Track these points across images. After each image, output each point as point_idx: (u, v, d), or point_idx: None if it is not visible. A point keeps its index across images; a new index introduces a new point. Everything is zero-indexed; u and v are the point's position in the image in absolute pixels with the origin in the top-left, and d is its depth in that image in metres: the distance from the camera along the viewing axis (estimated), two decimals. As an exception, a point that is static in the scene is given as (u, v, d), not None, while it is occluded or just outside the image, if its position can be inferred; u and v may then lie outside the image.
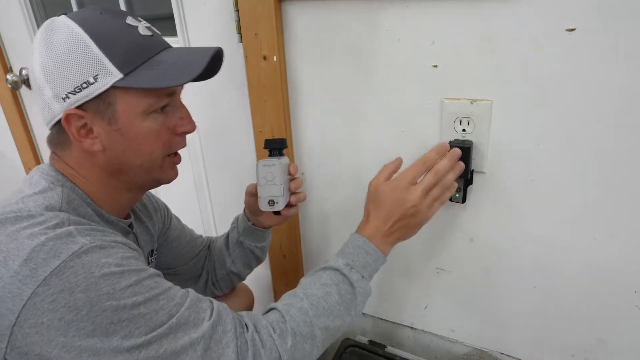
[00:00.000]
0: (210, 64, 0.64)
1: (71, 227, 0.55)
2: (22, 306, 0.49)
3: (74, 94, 0.59)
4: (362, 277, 0.69)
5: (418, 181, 0.71)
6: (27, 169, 1.65)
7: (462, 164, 0.75)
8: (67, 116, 0.59)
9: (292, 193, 0.81)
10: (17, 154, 1.64)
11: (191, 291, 0.61)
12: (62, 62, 0.58)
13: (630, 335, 0.78)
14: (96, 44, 0.58)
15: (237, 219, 0.94)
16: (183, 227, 0.95)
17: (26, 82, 1.45)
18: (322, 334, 0.65)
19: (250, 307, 1.07)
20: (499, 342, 0.94)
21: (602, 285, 0.77)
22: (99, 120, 0.61)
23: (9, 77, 1.42)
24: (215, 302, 0.63)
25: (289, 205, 0.81)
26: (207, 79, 0.70)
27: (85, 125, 0.61)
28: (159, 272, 0.60)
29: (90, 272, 0.51)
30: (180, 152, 0.71)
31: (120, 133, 0.61)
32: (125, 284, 0.53)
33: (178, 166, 0.72)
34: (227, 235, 0.95)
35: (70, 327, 0.50)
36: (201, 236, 0.98)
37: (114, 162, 0.64)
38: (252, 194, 0.86)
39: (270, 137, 0.93)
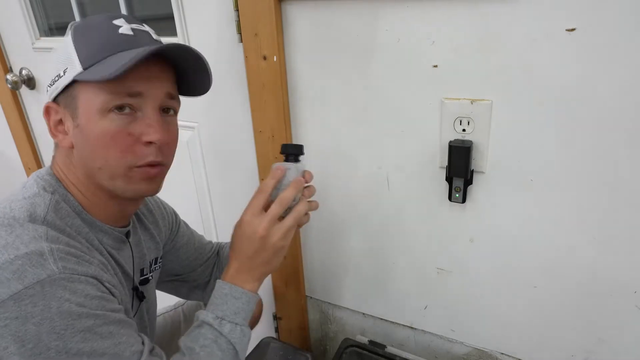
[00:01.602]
0: (198, 76, 0.64)
1: (45, 246, 0.53)
2: None
3: (50, 86, 0.62)
4: (236, 324, 0.67)
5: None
6: (27, 169, 1.65)
7: (311, 189, 0.74)
8: (46, 108, 0.62)
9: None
10: (17, 154, 1.64)
11: (145, 352, 0.59)
12: (52, 59, 0.62)
13: (630, 335, 0.78)
14: (72, 40, 0.60)
15: None
16: (192, 234, 0.94)
17: (26, 82, 1.45)
18: None
19: (259, 313, 1.06)
20: (499, 342, 0.94)
21: (602, 285, 0.77)
22: (68, 115, 0.62)
23: (9, 77, 1.42)
24: None
25: None
26: (200, 94, 0.69)
27: (61, 121, 0.62)
28: (122, 318, 0.58)
29: (48, 306, 0.50)
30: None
31: (80, 130, 0.61)
32: (78, 327, 0.51)
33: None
34: None
35: (10, 359, 0.49)
36: (210, 242, 0.97)
37: (82, 163, 0.63)
38: None
39: (284, 141, 0.90)
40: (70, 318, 0.51)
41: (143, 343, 0.60)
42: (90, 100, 0.59)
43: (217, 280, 0.71)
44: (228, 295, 0.68)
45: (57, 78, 0.60)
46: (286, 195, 0.69)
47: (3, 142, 1.65)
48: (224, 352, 0.66)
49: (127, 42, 0.60)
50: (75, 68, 0.59)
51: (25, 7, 1.33)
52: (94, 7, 1.27)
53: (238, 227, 0.71)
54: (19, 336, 0.49)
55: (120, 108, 0.60)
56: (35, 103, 1.50)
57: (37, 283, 0.50)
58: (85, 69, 0.58)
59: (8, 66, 1.47)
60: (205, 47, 1.03)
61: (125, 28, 0.61)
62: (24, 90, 1.48)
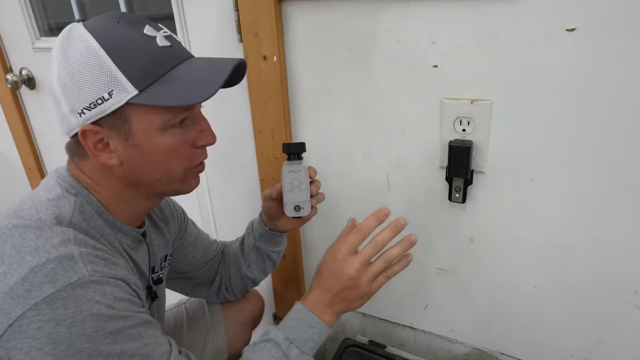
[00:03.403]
0: (231, 75, 0.62)
1: (74, 249, 0.54)
2: (8, 325, 0.49)
3: (90, 110, 0.57)
4: (302, 352, 0.67)
5: (360, 249, 0.69)
6: (27, 169, 1.65)
7: (413, 239, 0.69)
8: (84, 132, 0.59)
9: (312, 195, 0.80)
10: (17, 154, 1.64)
11: (174, 352, 0.60)
12: (78, 77, 0.57)
13: (630, 335, 0.78)
14: (111, 59, 0.56)
15: (252, 224, 0.93)
16: (198, 232, 0.94)
17: (26, 82, 1.45)
18: None
19: (260, 313, 1.06)
20: (499, 342, 0.94)
21: (602, 285, 0.77)
22: (116, 136, 0.60)
23: (9, 77, 1.42)
24: None
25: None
26: (228, 87, 0.69)
27: (102, 140, 0.60)
28: (149, 320, 0.59)
29: (80, 309, 0.51)
30: None
31: (137, 149, 0.60)
32: (109, 329, 0.52)
33: None
34: (242, 241, 0.94)
35: (44, 359, 0.49)
36: (216, 241, 0.97)
37: (132, 176, 0.63)
38: (271, 199, 0.84)
39: (284, 141, 0.91)
40: (100, 320, 0.52)
41: (170, 344, 0.61)
42: (149, 121, 0.59)
43: (296, 303, 0.70)
44: (302, 321, 0.68)
45: (100, 101, 0.57)
46: (381, 237, 0.68)
47: (3, 142, 1.65)
48: None
49: (171, 56, 0.60)
50: (126, 90, 0.57)
51: (25, 7, 1.33)
52: (94, 7, 1.28)
53: (330, 261, 0.69)
54: (52, 338, 0.49)
55: (180, 121, 0.62)
56: (35, 103, 1.50)
57: (69, 285, 0.51)
58: (141, 91, 0.57)
59: (8, 66, 1.47)
60: (205, 47, 1.03)
61: (160, 39, 0.60)
62: (24, 90, 1.48)
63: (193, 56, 0.64)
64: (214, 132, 0.69)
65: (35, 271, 0.51)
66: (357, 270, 0.67)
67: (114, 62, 0.56)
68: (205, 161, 0.72)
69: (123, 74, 0.56)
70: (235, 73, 0.65)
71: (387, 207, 0.70)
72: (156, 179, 0.64)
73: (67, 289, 0.51)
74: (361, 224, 0.70)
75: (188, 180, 0.68)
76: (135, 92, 0.57)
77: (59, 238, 0.54)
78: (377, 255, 0.69)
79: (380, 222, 0.69)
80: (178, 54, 0.62)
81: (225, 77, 0.60)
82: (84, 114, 0.58)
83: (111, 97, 0.57)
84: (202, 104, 0.68)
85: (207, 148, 0.71)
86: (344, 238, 0.69)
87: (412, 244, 0.70)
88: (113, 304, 0.54)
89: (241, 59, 0.64)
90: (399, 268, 0.71)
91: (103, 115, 0.58)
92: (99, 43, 0.56)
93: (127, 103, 0.57)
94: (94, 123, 0.58)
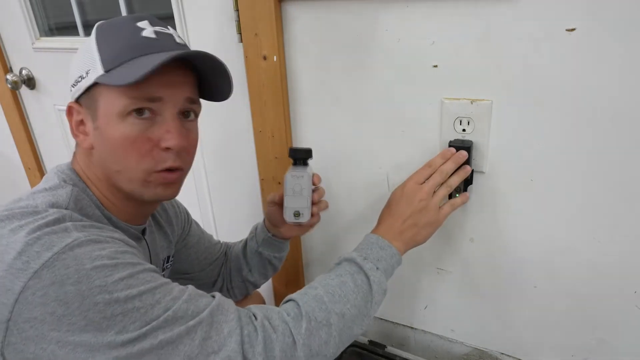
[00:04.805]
0: (219, 82, 0.64)
1: (69, 224, 0.54)
2: (15, 300, 0.48)
3: (74, 87, 0.62)
4: (377, 268, 0.67)
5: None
6: (27, 169, 1.65)
7: (468, 168, 0.76)
8: (68, 108, 0.63)
9: (314, 203, 0.80)
10: (17, 154, 1.64)
11: (190, 287, 0.59)
12: (77, 56, 0.63)
13: (630, 335, 0.78)
14: (96, 41, 0.61)
15: (255, 228, 0.93)
16: (202, 233, 0.94)
17: (26, 82, 1.45)
18: (338, 321, 0.62)
19: None
20: (499, 342, 0.94)
21: (602, 285, 0.77)
22: (88, 117, 0.62)
23: (9, 77, 1.42)
24: (218, 295, 0.60)
25: (311, 215, 0.79)
26: (222, 100, 0.69)
27: (82, 120, 0.63)
28: (155, 268, 0.58)
29: (82, 265, 0.50)
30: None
31: (100, 132, 0.61)
32: (118, 276, 0.51)
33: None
34: (245, 244, 0.94)
35: (62, 322, 0.48)
36: (219, 242, 0.97)
37: (101, 164, 0.63)
38: (273, 203, 0.84)
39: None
40: (106, 270, 0.51)
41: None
42: (110, 104, 0.60)
43: (366, 234, 0.73)
44: (374, 244, 0.71)
45: (80, 79, 0.61)
46: (446, 167, 0.74)
47: (3, 142, 1.65)
48: (358, 287, 0.65)
49: (149, 45, 0.60)
50: (97, 70, 0.59)
51: (25, 7, 1.33)
52: (94, 7, 1.28)
53: (400, 191, 0.74)
54: (60, 299, 0.49)
55: (139, 112, 0.60)
56: (35, 103, 1.50)
57: (66, 246, 0.51)
58: (106, 71, 0.59)
59: (8, 66, 1.47)
60: (205, 47, 1.02)
61: (148, 31, 0.61)
62: (24, 90, 1.48)
63: (179, 51, 0.62)
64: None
65: (31, 243, 0.50)
66: (427, 192, 0.72)
67: (97, 44, 0.60)
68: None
69: (99, 54, 0.60)
70: (219, 75, 0.65)
71: (451, 149, 0.77)
72: (115, 171, 0.62)
73: (64, 250, 0.50)
74: (430, 160, 0.76)
75: (152, 186, 0.63)
76: (102, 71, 0.59)
77: (54, 217, 0.54)
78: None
79: (446, 160, 0.75)
80: (158, 46, 0.61)
81: (162, 62, 0.56)
82: (71, 90, 0.63)
83: (87, 76, 0.60)
84: (200, 111, 0.68)
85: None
86: (413, 173, 0.75)
87: (467, 173, 0.77)
88: (115, 255, 0.53)
89: (202, 51, 0.61)
90: (459, 201, 0.78)
91: (80, 92, 0.61)
92: (97, 27, 0.62)
93: (95, 83, 0.59)
94: (76, 102, 0.63)
